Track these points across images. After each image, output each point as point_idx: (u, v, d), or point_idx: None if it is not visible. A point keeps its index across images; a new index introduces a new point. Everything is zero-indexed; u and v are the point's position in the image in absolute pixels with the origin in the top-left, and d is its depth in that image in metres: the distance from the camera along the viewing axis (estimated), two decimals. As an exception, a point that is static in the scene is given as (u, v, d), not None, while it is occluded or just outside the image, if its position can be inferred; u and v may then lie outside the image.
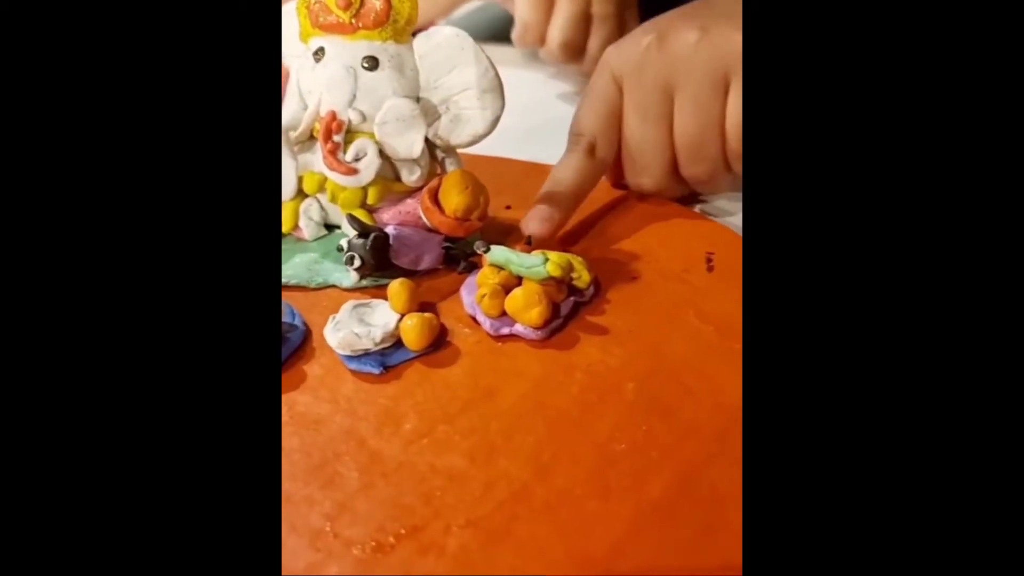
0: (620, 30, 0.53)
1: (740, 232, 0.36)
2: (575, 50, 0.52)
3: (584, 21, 0.52)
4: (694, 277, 0.34)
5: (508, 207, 0.40)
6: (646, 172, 0.39)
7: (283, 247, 0.36)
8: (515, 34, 0.54)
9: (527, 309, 0.30)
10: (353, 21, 0.32)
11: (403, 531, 0.23)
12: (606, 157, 0.39)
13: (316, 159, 0.34)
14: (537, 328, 0.30)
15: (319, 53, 0.33)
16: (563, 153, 0.39)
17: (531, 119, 0.51)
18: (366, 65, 0.32)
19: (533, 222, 0.36)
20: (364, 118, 0.33)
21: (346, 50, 0.33)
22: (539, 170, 0.43)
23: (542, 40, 0.53)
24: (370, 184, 0.34)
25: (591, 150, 0.38)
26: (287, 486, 0.24)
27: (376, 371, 0.29)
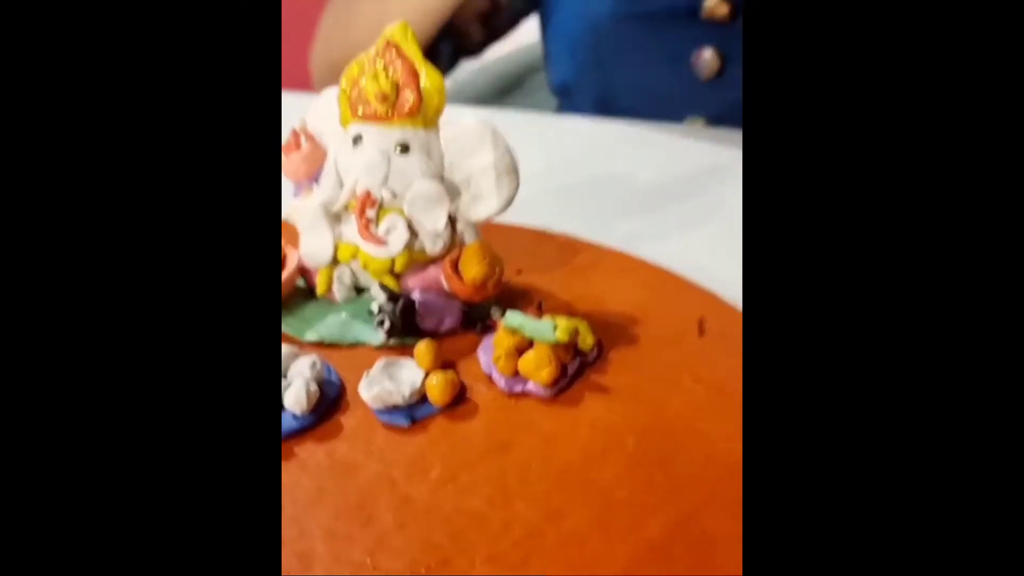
0: None
1: (729, 300, 0.40)
2: None
3: None
4: (687, 341, 0.38)
5: (519, 271, 0.44)
6: None
7: (316, 308, 0.40)
8: None
9: (539, 369, 0.33)
10: (389, 112, 0.36)
11: (433, 564, 0.26)
12: None
13: (348, 230, 0.38)
14: (547, 387, 0.34)
15: (358, 139, 0.37)
16: None
17: (537, 186, 0.55)
18: (398, 150, 0.37)
19: None
20: (395, 195, 0.37)
21: (381, 136, 0.37)
22: (547, 239, 0.47)
23: None
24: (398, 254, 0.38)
25: None
26: (331, 524, 0.28)
27: (405, 423, 0.32)
